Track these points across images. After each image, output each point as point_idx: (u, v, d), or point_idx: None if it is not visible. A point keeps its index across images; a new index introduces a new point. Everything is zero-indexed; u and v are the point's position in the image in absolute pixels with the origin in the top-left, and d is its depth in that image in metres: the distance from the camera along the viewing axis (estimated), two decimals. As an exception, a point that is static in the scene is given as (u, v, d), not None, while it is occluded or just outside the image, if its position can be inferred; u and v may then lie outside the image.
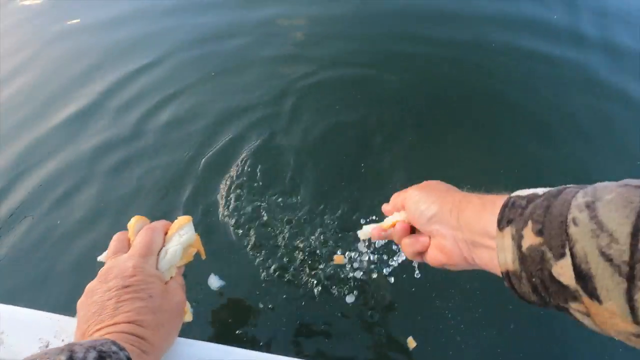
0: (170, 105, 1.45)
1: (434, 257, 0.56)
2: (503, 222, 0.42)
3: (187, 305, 0.65)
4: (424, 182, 0.63)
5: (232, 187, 1.16)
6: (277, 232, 1.06)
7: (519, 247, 0.39)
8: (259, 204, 1.12)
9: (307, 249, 1.01)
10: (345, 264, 0.96)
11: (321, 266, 0.97)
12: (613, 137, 1.31)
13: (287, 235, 1.05)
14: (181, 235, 0.63)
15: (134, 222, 0.64)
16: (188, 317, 0.65)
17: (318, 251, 1.00)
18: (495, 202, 0.45)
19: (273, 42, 1.71)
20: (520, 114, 1.39)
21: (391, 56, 1.63)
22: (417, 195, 0.58)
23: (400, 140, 1.30)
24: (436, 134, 1.34)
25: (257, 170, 1.21)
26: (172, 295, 0.57)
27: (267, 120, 1.37)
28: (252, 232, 1.05)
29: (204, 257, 0.71)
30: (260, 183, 1.18)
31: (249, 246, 1.02)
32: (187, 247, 0.65)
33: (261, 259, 0.99)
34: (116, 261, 0.57)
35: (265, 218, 1.09)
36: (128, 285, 0.52)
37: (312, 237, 1.04)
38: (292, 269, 0.98)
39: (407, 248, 0.60)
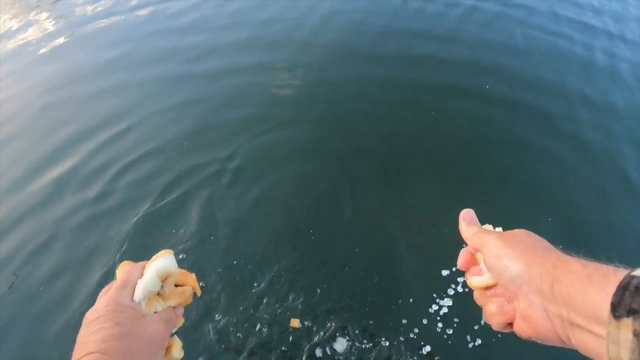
0: (130, 165, 1.56)
1: (519, 328, 0.46)
2: (621, 309, 0.33)
3: (177, 342, 0.65)
4: (509, 231, 0.52)
5: (181, 246, 1.18)
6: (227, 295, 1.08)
7: None
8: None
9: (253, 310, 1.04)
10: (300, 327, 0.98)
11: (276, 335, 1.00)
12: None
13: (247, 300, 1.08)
14: (155, 265, 0.64)
15: (121, 266, 0.68)
16: (177, 354, 0.65)
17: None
18: (607, 277, 0.36)
19: (241, 103, 1.84)
20: (474, 168, 1.54)
21: (350, 113, 1.75)
22: (497, 247, 0.49)
23: (359, 191, 1.39)
24: (397, 186, 1.43)
25: (207, 229, 1.24)
26: (146, 324, 0.58)
27: (223, 175, 1.46)
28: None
29: (199, 293, 0.71)
30: (210, 244, 1.19)
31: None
32: (166, 277, 0.64)
33: (214, 324, 1.00)
34: (96, 303, 0.61)
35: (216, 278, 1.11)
36: (99, 316, 0.55)
37: (263, 296, 1.06)
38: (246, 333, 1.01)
39: (493, 317, 0.50)
